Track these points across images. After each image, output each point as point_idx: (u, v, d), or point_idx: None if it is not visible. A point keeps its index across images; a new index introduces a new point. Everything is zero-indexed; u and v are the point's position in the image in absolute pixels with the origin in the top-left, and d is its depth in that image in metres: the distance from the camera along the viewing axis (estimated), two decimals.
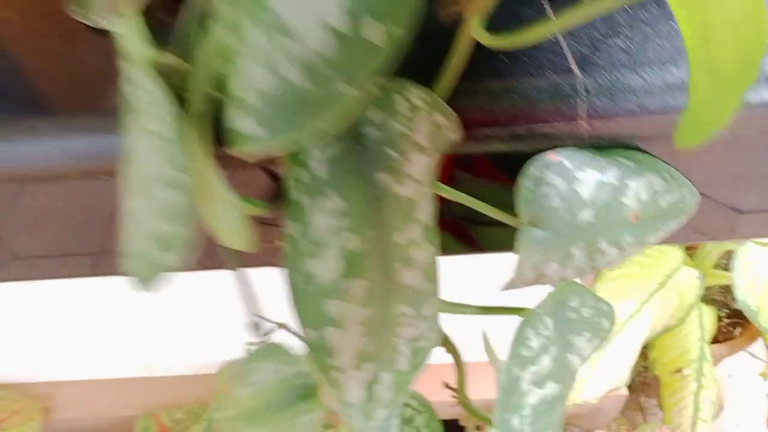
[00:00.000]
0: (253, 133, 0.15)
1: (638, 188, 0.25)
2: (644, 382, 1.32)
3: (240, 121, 0.16)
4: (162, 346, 1.05)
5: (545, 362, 0.30)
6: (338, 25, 0.15)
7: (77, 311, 0.98)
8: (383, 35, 0.15)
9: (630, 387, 1.12)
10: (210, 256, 0.32)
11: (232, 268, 0.28)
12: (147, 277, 0.22)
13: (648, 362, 1.14)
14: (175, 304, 0.97)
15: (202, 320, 0.99)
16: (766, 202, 0.32)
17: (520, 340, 0.29)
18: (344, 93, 0.15)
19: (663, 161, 0.26)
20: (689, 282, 1.01)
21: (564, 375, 0.31)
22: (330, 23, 0.15)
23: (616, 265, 0.27)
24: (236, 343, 1.02)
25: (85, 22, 0.21)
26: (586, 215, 0.24)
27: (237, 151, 0.16)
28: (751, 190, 0.31)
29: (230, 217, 0.19)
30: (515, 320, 0.31)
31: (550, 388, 0.30)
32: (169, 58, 0.18)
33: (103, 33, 0.26)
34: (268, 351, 0.30)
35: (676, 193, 0.26)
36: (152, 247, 0.21)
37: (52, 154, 0.26)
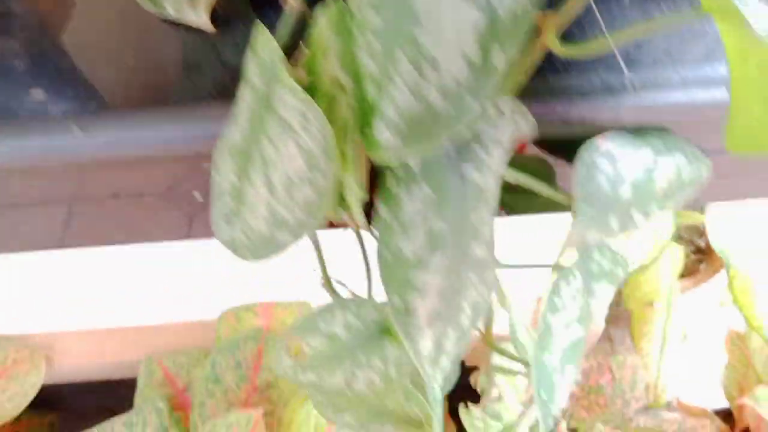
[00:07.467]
0: (398, 145, 0.19)
1: (666, 165, 0.29)
2: (614, 315, 1.42)
3: (384, 135, 0.19)
4: (160, 295, 1.08)
5: (573, 309, 0.35)
6: (473, 56, 0.18)
7: (75, 260, 1.00)
8: (504, 59, 0.18)
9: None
10: None
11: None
12: (258, 252, 0.26)
13: (621, 297, 1.23)
14: (172, 256, 1.00)
15: (199, 270, 1.02)
16: None
17: (554, 292, 0.33)
18: (472, 109, 0.18)
19: (686, 141, 0.30)
20: (664, 224, 1.08)
21: (586, 318, 0.36)
22: (467, 54, 0.18)
23: (639, 228, 0.32)
24: (234, 293, 1.06)
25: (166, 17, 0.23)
26: (625, 192, 0.28)
27: (377, 157, 0.19)
28: None
29: (356, 203, 0.23)
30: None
31: (576, 330, 0.35)
32: (302, 75, 0.21)
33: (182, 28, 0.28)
34: (336, 305, 0.34)
35: (695, 167, 0.31)
36: (272, 229, 0.24)
37: (149, 141, 0.29)
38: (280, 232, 0.25)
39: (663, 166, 0.29)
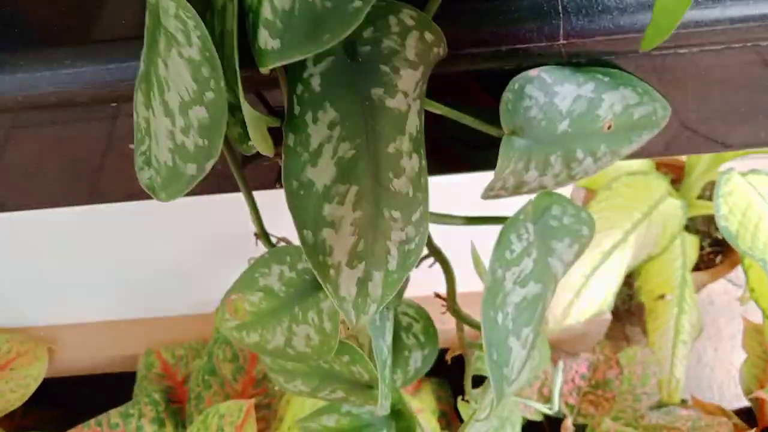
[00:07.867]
0: (278, 48, 0.18)
1: (612, 101, 0.27)
2: (628, 311, 1.38)
3: (267, 41, 0.18)
4: (160, 287, 1.08)
5: (527, 264, 0.33)
6: None
7: (77, 256, 1.00)
8: None
9: (615, 316, 1.18)
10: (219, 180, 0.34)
11: (241, 190, 0.31)
12: (168, 188, 0.25)
13: (633, 290, 1.19)
14: (172, 247, 0.99)
15: (199, 261, 1.02)
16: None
17: (503, 243, 0.31)
18: (354, 6, 0.17)
19: (637, 77, 0.28)
20: (673, 212, 1.05)
21: (545, 276, 0.34)
22: None
23: (592, 174, 0.30)
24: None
25: None
26: (563, 125, 0.26)
27: (263, 67, 0.18)
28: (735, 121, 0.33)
29: (257, 128, 0.22)
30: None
31: (532, 287, 0.33)
32: None
33: None
34: (271, 257, 0.32)
35: (648, 106, 0.29)
36: (176, 160, 0.23)
37: (67, 81, 0.28)
38: (184, 163, 0.23)
39: (608, 101, 0.27)
